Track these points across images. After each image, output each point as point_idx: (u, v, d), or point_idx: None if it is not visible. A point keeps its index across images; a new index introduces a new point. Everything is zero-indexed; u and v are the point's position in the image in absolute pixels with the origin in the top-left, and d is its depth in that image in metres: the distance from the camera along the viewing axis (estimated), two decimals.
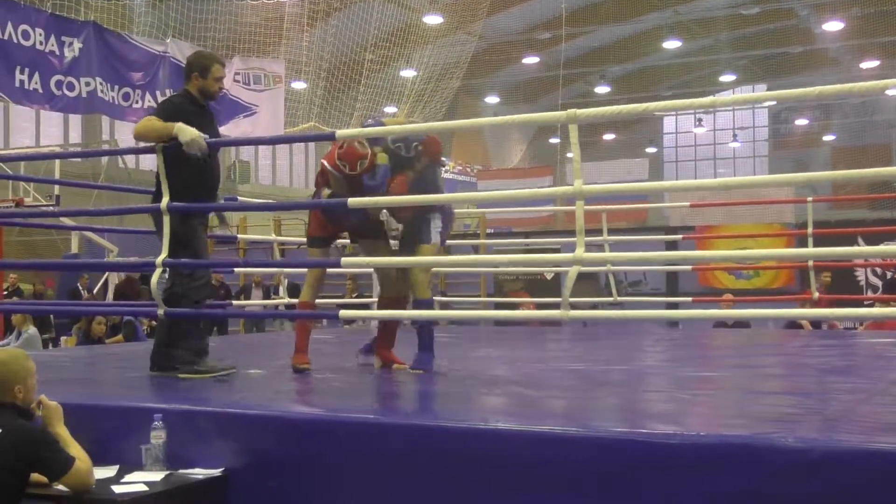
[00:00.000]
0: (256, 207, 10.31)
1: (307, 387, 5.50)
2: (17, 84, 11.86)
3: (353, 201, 5.41)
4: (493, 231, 22.92)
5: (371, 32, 19.57)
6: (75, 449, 3.90)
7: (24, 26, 11.85)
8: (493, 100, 36.32)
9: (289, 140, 6.30)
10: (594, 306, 14.12)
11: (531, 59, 31.89)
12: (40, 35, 12.06)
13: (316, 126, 17.34)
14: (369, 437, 3.93)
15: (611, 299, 10.64)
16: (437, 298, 12.76)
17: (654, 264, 12.05)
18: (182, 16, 15.56)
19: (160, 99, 13.82)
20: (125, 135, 24.98)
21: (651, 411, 4.56)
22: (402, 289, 6.30)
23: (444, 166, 6.54)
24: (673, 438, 3.45)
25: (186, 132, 5.48)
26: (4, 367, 3.95)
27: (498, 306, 14.81)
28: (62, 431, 4.01)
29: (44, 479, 3.83)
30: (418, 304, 6.03)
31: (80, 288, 15.41)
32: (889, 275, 13.46)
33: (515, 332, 10.75)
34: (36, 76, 12.04)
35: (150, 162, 6.12)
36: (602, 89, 34.87)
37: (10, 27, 11.63)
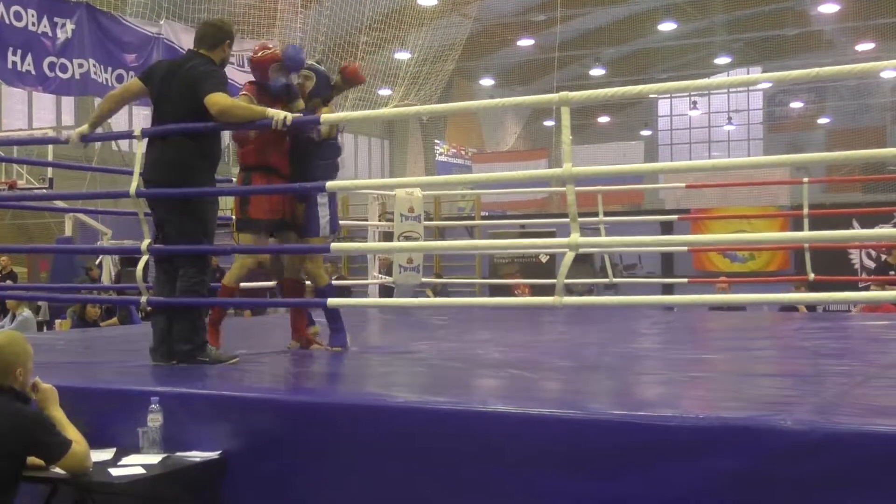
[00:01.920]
0: (246, 192, 10.24)
1: (303, 370, 5.50)
2: (10, 66, 11.79)
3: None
4: (487, 214, 22.94)
5: (366, 14, 19.46)
6: (72, 432, 3.89)
7: (16, 7, 11.75)
8: (487, 82, 36.22)
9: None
10: (590, 288, 14.14)
11: (526, 42, 31.78)
12: (32, 16, 11.97)
13: None
14: (367, 420, 3.93)
15: (606, 281, 10.66)
16: (433, 280, 12.79)
17: (648, 247, 12.05)
18: None
19: None
20: (118, 117, 24.90)
21: (648, 394, 4.57)
22: (297, 272, 6.41)
23: (337, 138, 6.30)
24: (671, 421, 3.45)
25: (279, 115, 5.36)
26: (6, 349, 3.94)
27: (493, 289, 14.85)
28: (58, 414, 4.00)
29: (41, 462, 3.82)
30: (321, 293, 6.15)
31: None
32: (883, 258, 13.49)
33: (510, 314, 10.74)
34: (29, 58, 11.96)
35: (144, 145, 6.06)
36: (597, 72, 34.77)
37: (1, 8, 11.54)
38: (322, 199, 6.06)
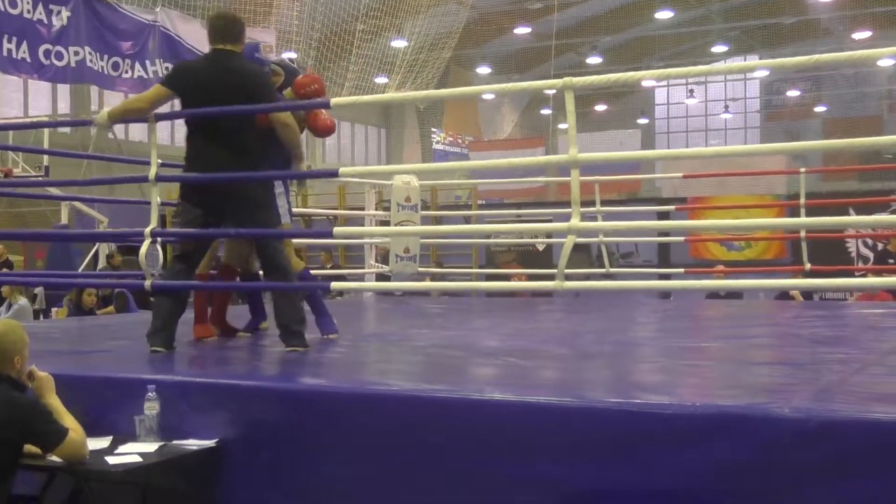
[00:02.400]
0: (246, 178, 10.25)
1: (300, 358, 5.48)
2: (5, 53, 11.76)
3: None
4: (484, 202, 22.91)
5: (362, 2, 19.43)
6: (69, 420, 3.89)
7: None
8: (484, 70, 36.16)
9: (281, 108, 6.30)
10: (586, 278, 14.11)
11: (523, 30, 31.73)
12: (28, 3, 11.95)
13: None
14: (364, 408, 3.92)
15: (603, 270, 10.63)
16: (432, 270, 12.77)
17: (648, 235, 12.03)
18: None
19: (150, 68, 13.73)
20: (116, 103, 24.81)
21: (645, 382, 4.56)
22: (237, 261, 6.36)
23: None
24: (668, 409, 3.45)
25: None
26: (4, 337, 3.94)
27: (489, 277, 14.83)
28: (55, 402, 4.00)
29: (37, 450, 3.82)
30: (300, 277, 6.08)
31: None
32: (880, 246, 13.51)
33: (507, 304, 10.74)
34: (24, 45, 11.95)
35: (139, 132, 6.10)
36: (594, 60, 34.72)
37: None
38: (279, 189, 6.07)
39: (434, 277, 13.54)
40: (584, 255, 15.21)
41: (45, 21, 12.21)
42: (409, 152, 36.87)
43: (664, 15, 31.15)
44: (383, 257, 12.01)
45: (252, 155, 5.48)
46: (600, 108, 39.39)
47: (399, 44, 21.45)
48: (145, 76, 13.65)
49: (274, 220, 5.66)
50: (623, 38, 34.83)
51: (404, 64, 19.95)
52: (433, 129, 37.29)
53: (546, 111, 38.31)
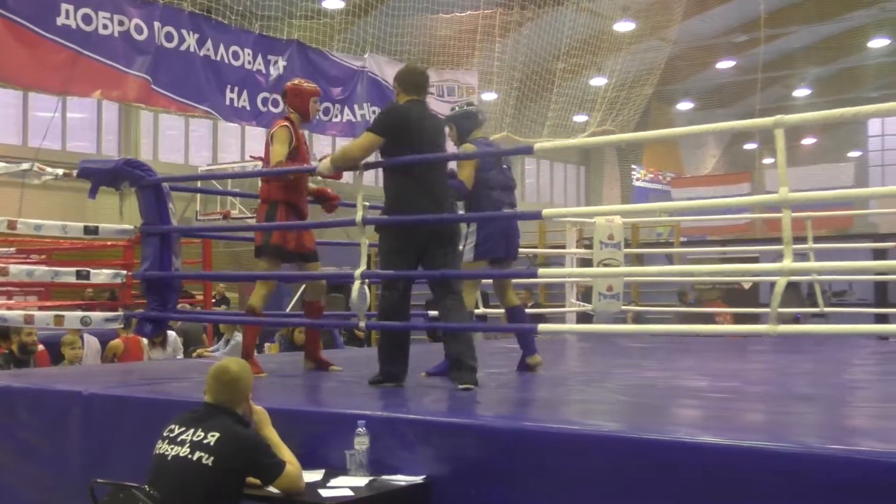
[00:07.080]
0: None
1: (504, 396, 5.52)
2: (228, 102, 12.48)
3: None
4: (686, 239, 22.43)
5: (563, 41, 19.54)
6: (286, 453, 4.04)
7: (234, 47, 12.54)
8: (686, 105, 35.59)
9: (484, 155, 6.39)
10: (797, 317, 13.57)
11: (727, 63, 31.10)
12: (248, 55, 12.70)
13: (508, 136, 17.46)
14: (571, 448, 3.89)
15: (816, 310, 10.21)
16: (630, 308, 12.60)
17: (865, 274, 11.45)
18: (379, 31, 15.98)
19: (358, 112, 14.24)
20: (325, 148, 25.85)
21: (863, 428, 4.33)
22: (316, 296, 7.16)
23: (503, 164, 6.47)
24: (888, 457, 3.24)
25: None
26: (245, 376, 4.20)
27: (693, 315, 14.48)
28: (272, 435, 4.17)
29: (257, 481, 3.99)
30: (516, 314, 6.37)
31: None
32: None
33: (712, 342, 10.46)
34: (244, 94, 12.64)
35: (346, 175, 6.31)
36: (801, 92, 33.58)
37: (221, 48, 12.32)
38: (470, 227, 6.31)
39: (636, 315, 13.35)
40: (794, 293, 14.61)
41: (264, 70, 12.92)
42: (609, 190, 36.60)
43: (879, 43, 29.80)
44: (584, 295, 11.94)
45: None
46: (808, 141, 37.94)
47: (599, 81, 21.41)
48: (354, 120, 14.17)
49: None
50: (833, 68, 33.51)
51: (605, 101, 19.89)
52: (633, 166, 36.89)
53: (750, 146, 37.23)
